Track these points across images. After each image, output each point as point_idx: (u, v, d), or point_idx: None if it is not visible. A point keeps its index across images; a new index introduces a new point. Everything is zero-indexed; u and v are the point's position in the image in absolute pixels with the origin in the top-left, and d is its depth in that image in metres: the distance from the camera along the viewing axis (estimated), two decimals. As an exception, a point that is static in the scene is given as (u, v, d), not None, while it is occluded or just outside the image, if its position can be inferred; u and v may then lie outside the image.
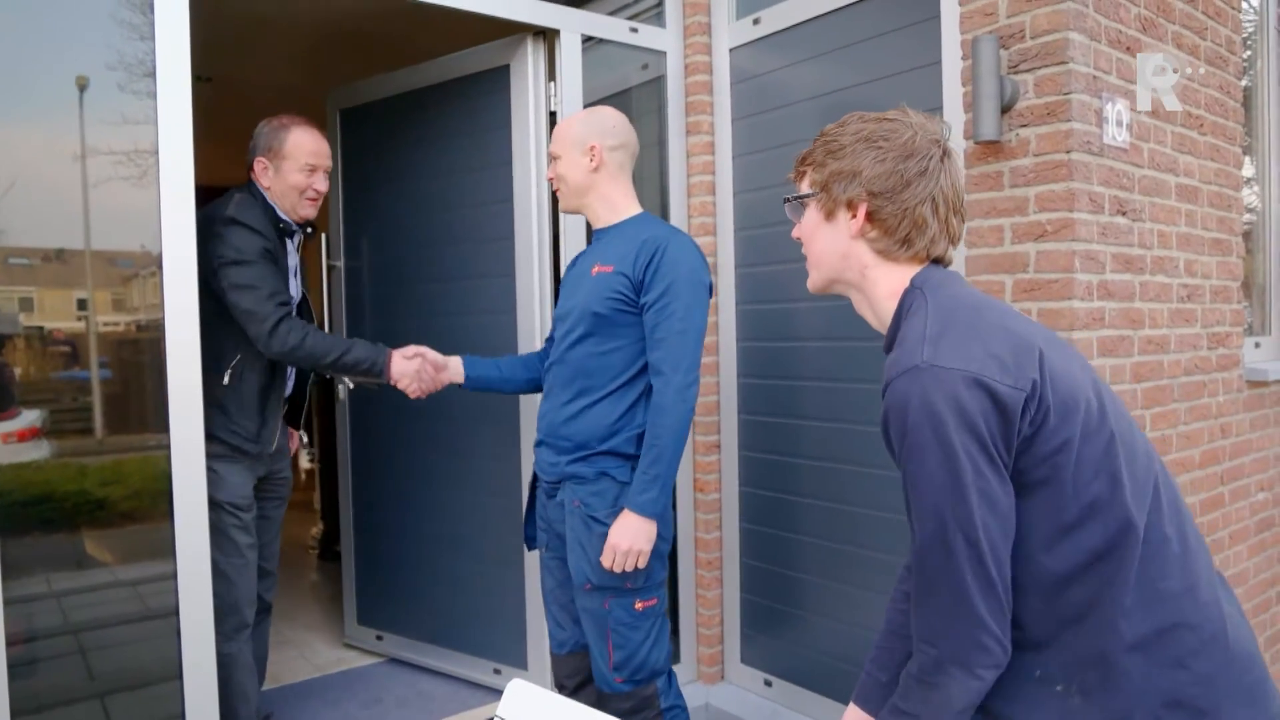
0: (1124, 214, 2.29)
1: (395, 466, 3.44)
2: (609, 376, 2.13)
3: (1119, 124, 2.25)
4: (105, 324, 2.30)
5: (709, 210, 3.15)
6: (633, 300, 2.09)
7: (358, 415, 3.58)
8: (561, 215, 2.92)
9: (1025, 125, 2.21)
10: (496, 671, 3.12)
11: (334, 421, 4.74)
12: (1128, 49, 2.30)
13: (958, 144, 2.36)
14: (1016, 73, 2.22)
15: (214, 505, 2.25)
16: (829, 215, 1.28)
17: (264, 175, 2.47)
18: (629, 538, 2.02)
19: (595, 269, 2.16)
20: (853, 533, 2.76)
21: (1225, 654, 1.11)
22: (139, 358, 2.33)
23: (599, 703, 2.18)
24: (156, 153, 2.17)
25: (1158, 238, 2.42)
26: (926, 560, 1.11)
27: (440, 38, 3.27)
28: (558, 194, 2.29)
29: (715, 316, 3.15)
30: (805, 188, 1.32)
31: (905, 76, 2.56)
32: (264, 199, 2.46)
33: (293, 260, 2.58)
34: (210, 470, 2.25)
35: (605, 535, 2.06)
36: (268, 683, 3.31)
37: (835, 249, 1.29)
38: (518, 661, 3.07)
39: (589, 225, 2.32)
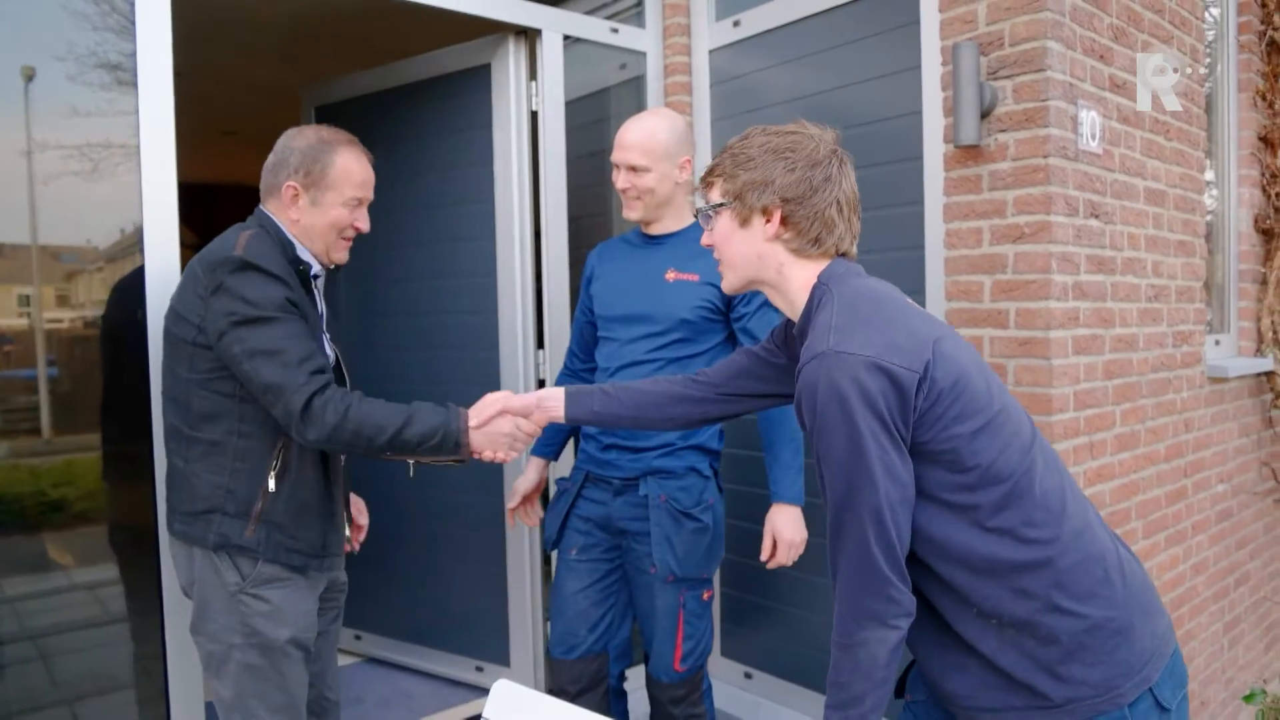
0: (1096, 217, 2.37)
1: (372, 463, 3.42)
2: None
3: (1092, 130, 2.33)
4: (50, 320, 2.20)
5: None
6: (721, 310, 2.20)
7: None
8: (543, 214, 2.94)
9: (1004, 130, 2.27)
10: (479, 669, 3.13)
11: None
12: (1101, 57, 2.37)
13: (937, 147, 2.43)
14: (995, 79, 2.28)
15: (268, 649, 1.77)
16: (744, 222, 1.40)
17: (293, 205, 1.85)
18: (797, 529, 2.20)
19: (672, 275, 2.20)
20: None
21: (1126, 579, 1.28)
22: (89, 355, 2.23)
23: (652, 690, 2.25)
24: (138, 149, 2.15)
25: (1127, 239, 2.50)
26: (837, 526, 1.25)
27: (418, 36, 3.27)
28: (630, 202, 2.22)
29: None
30: (717, 197, 1.43)
31: (883, 81, 2.61)
32: (280, 234, 1.85)
33: (321, 308, 1.96)
34: (260, 602, 1.76)
35: (696, 529, 2.19)
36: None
37: (751, 251, 1.41)
38: (500, 659, 3.08)
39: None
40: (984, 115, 2.28)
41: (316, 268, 1.90)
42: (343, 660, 3.49)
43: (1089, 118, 2.31)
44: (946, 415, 1.22)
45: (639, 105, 3.21)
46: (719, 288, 2.06)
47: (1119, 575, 1.27)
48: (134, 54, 2.12)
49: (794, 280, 1.40)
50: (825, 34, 2.77)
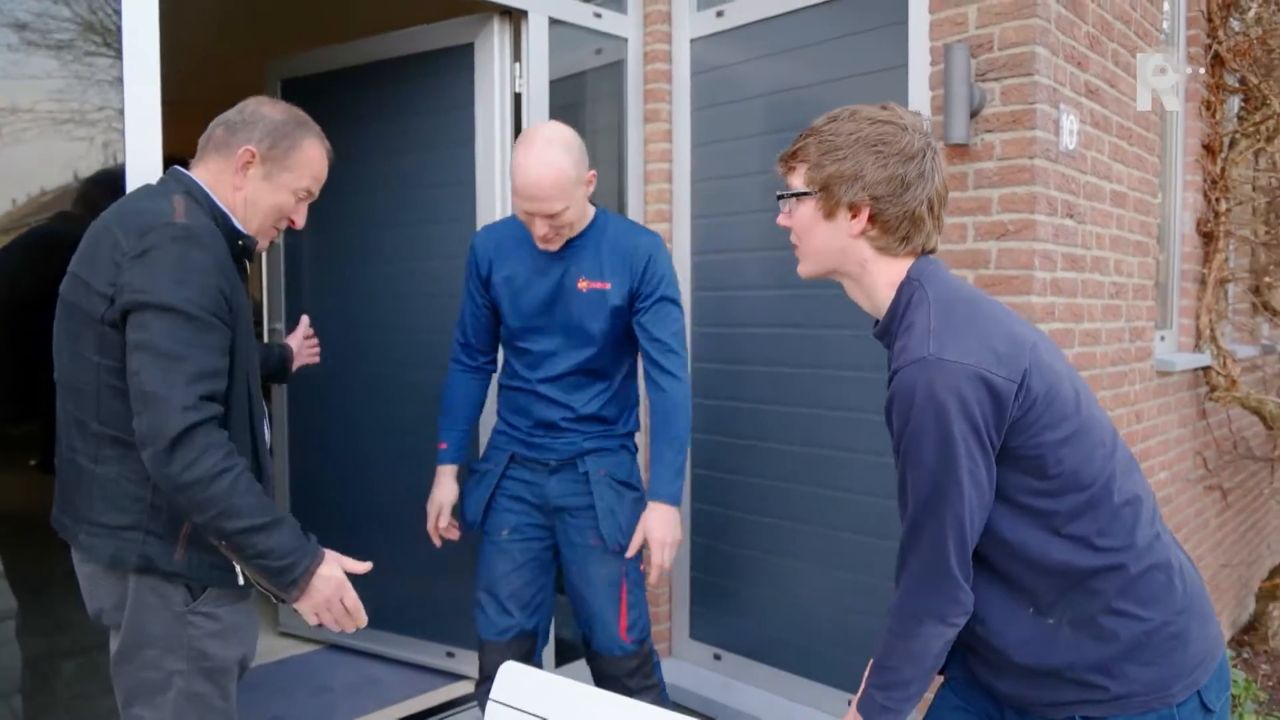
0: (1071, 216, 2.48)
1: (333, 447, 3.36)
2: (619, 369, 2.32)
3: (1071, 133, 2.44)
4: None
5: (666, 198, 3.21)
6: (628, 307, 2.22)
7: (295, 394, 3.48)
8: None
9: (990, 131, 2.36)
10: (450, 655, 3.11)
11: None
12: (1079, 63, 2.48)
13: (923, 145, 2.50)
14: (984, 81, 2.36)
15: (215, 673, 1.58)
16: (828, 215, 1.34)
17: (242, 172, 1.64)
18: (670, 529, 2.19)
19: (584, 284, 2.20)
20: (800, 510, 2.90)
21: (1187, 585, 1.31)
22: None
23: (603, 668, 2.26)
24: (122, 116, 2.07)
25: (1095, 239, 2.63)
26: (916, 527, 1.25)
27: (396, 11, 3.20)
28: (551, 241, 2.13)
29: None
30: (799, 184, 1.37)
31: (868, 78, 2.68)
32: (211, 203, 1.61)
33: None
34: (211, 620, 1.57)
35: (635, 498, 2.29)
36: (202, 673, 3.21)
37: (834, 245, 1.36)
38: (472, 644, 3.05)
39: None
40: (972, 115, 2.36)
41: (256, 245, 1.68)
42: (303, 648, 3.44)
43: (1069, 122, 2.42)
44: (1038, 423, 1.22)
45: (619, 90, 3.21)
46: (626, 288, 2.19)
47: (1180, 581, 1.30)
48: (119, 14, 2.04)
49: (878, 277, 1.36)
50: (809, 29, 2.82)
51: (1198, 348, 3.48)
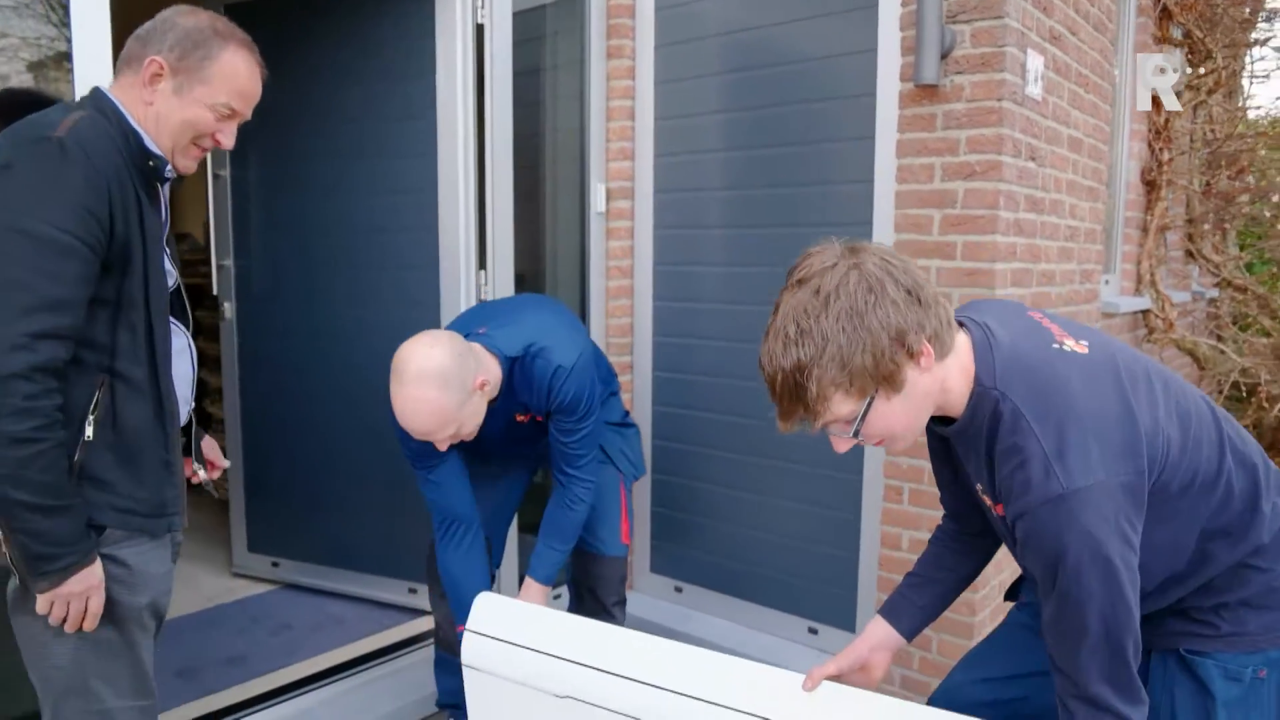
0: (1033, 159, 2.54)
1: (286, 387, 3.30)
2: None
3: (1037, 77, 2.48)
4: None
5: (628, 134, 3.18)
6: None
7: (246, 335, 3.39)
8: (488, 130, 2.87)
9: (960, 72, 2.39)
10: (412, 591, 3.12)
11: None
12: (1044, 9, 2.52)
13: (892, 85, 2.53)
14: (954, 23, 2.39)
15: (122, 620, 1.48)
16: (898, 389, 1.17)
17: (151, 86, 1.49)
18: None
19: (522, 418, 2.18)
20: (758, 445, 2.96)
21: None
22: None
23: (600, 570, 2.35)
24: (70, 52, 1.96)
25: (1053, 183, 2.70)
26: (1091, 658, 1.16)
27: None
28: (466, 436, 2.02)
29: (631, 240, 3.22)
30: (848, 411, 1.18)
31: (834, 18, 2.68)
32: (123, 121, 1.48)
33: (165, 216, 1.59)
34: (114, 564, 1.45)
35: (634, 432, 2.51)
36: (156, 614, 3.16)
37: (917, 399, 1.20)
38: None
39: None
40: (943, 57, 2.39)
41: (170, 169, 1.54)
42: (258, 588, 3.40)
43: (1035, 66, 2.46)
44: (1164, 474, 1.18)
45: (581, 26, 3.15)
46: (544, 409, 2.15)
47: None
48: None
49: (953, 384, 1.23)
50: (777, -34, 2.80)
51: (1138, 291, 3.62)
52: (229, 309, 3.36)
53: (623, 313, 3.24)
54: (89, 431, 1.41)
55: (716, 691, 1.64)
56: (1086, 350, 1.22)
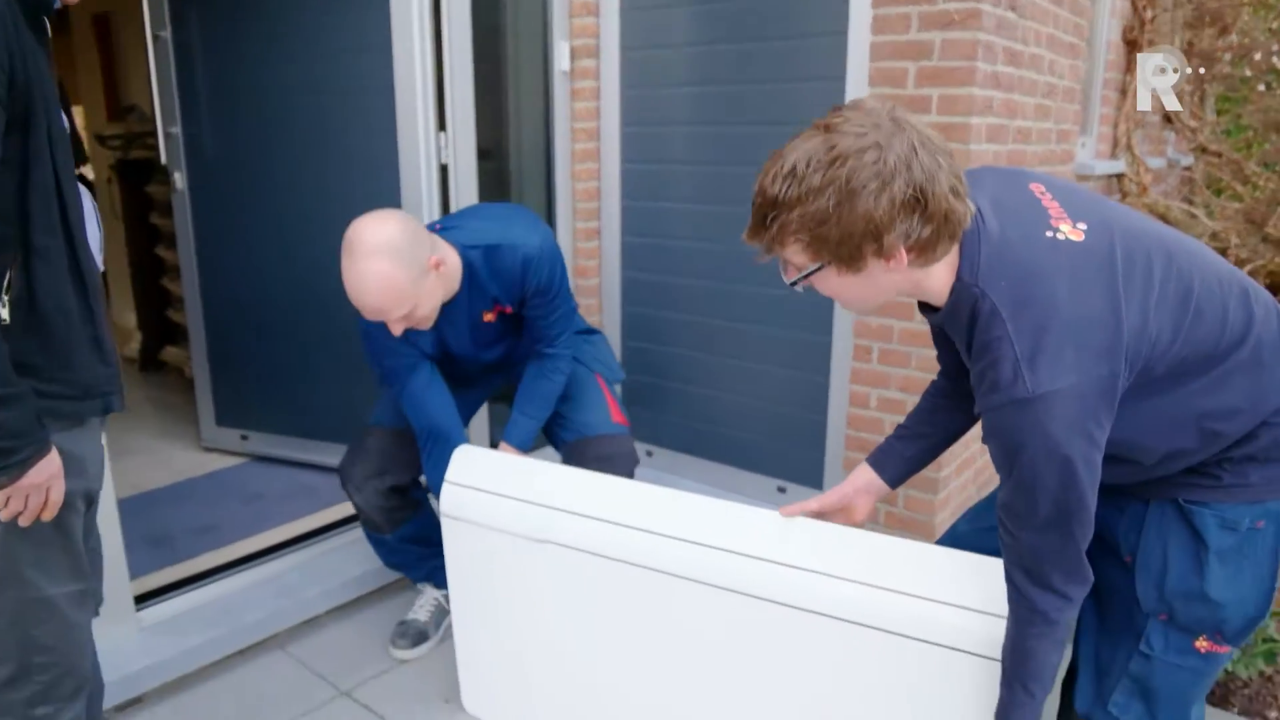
0: (1013, 9, 2.44)
1: (244, 259, 3.21)
2: None
3: (1020, -83, 2.36)
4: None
5: (591, 51, 3.04)
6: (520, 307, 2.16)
7: (198, 204, 3.26)
8: (447, 56, 2.71)
9: (941, -90, 2.26)
10: (383, 461, 3.12)
11: (143, 216, 4.33)
12: None
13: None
14: None
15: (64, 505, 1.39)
16: (856, 271, 1.14)
17: None
18: None
19: (488, 316, 2.12)
20: (728, 309, 2.94)
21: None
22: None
23: (599, 449, 2.28)
24: None
25: (1033, 36, 2.60)
26: (1042, 542, 1.16)
27: None
28: (421, 326, 1.97)
29: (597, 101, 3.10)
30: (804, 261, 1.16)
31: None
32: None
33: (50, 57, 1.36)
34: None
35: (601, 338, 2.48)
36: (125, 489, 3.15)
37: (876, 287, 1.18)
38: (405, 450, 3.08)
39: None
40: (923, -108, 2.26)
41: None
42: (228, 461, 3.40)
43: (1019, -97, 2.34)
44: (1149, 364, 1.13)
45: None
46: (516, 299, 2.10)
47: None
48: None
49: (935, 285, 1.20)
50: None
51: (1114, 155, 3.56)
52: (180, 180, 3.23)
53: (589, 176, 3.15)
54: (3, 314, 1.28)
55: (695, 531, 1.66)
56: (1082, 237, 1.15)
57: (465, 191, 2.82)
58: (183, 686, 2.24)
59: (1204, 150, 4.23)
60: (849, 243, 1.10)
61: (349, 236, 1.83)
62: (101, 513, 2.12)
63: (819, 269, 1.15)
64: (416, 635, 2.38)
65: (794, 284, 1.21)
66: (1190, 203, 3.98)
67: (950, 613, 1.40)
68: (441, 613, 2.44)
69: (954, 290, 1.18)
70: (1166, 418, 1.17)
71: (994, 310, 1.12)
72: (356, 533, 2.81)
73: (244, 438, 3.39)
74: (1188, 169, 4.57)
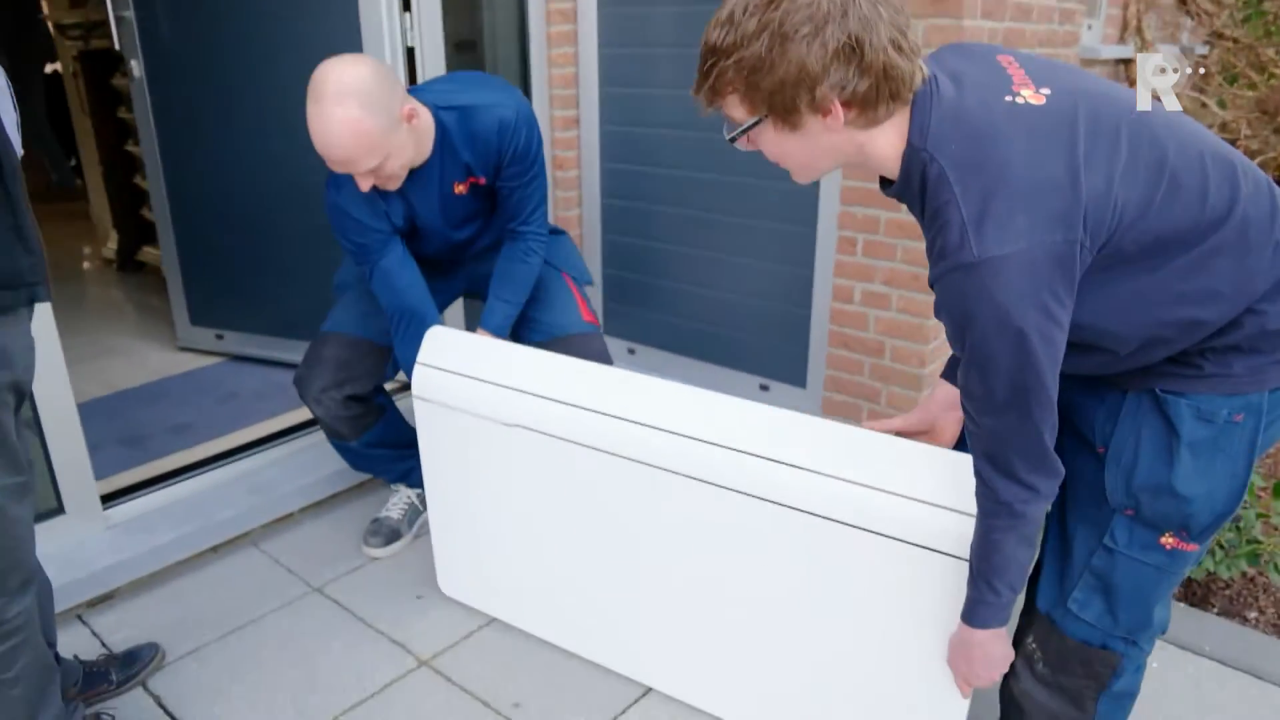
0: None
1: (208, 149, 3.07)
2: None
3: None
4: None
5: None
6: (495, 178, 2.06)
7: (157, 92, 3.11)
8: None
9: None
10: (359, 360, 3.06)
11: (111, 110, 4.17)
12: None
13: None
14: None
15: None
16: (793, 127, 1.09)
17: None
18: None
19: (459, 188, 2.02)
20: (709, 201, 2.83)
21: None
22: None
23: (569, 350, 2.17)
24: None
25: (1038, -101, 2.42)
26: (1001, 424, 1.10)
27: None
28: (386, 185, 1.89)
29: (576, -19, 2.93)
30: (741, 115, 1.11)
31: None
32: None
33: None
34: None
35: (566, 237, 2.35)
36: (100, 389, 3.11)
37: (817, 150, 1.13)
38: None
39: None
40: None
41: None
42: (204, 361, 3.34)
43: None
44: (1114, 237, 1.03)
45: None
46: (490, 171, 2.00)
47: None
48: None
49: (880, 150, 1.11)
50: None
51: (1122, 40, 3.37)
52: (136, 67, 3.07)
53: (566, 61, 2.99)
54: None
55: (668, 419, 1.59)
56: (1044, 100, 1.06)
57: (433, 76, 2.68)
58: (155, 583, 2.23)
59: (1220, 36, 4.02)
60: (782, 92, 1.05)
61: (316, 79, 1.72)
62: (60, 411, 2.10)
63: (757, 123, 1.11)
64: (389, 533, 2.35)
65: (732, 139, 1.15)
66: (1202, 91, 3.79)
67: (921, 510, 1.36)
68: (415, 511, 2.42)
69: (904, 157, 1.11)
70: (1142, 302, 1.09)
71: (941, 174, 1.05)
72: (330, 431, 2.78)
73: (219, 337, 3.33)
74: (1203, 58, 4.35)
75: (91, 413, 2.90)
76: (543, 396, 1.74)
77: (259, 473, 2.54)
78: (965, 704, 1.44)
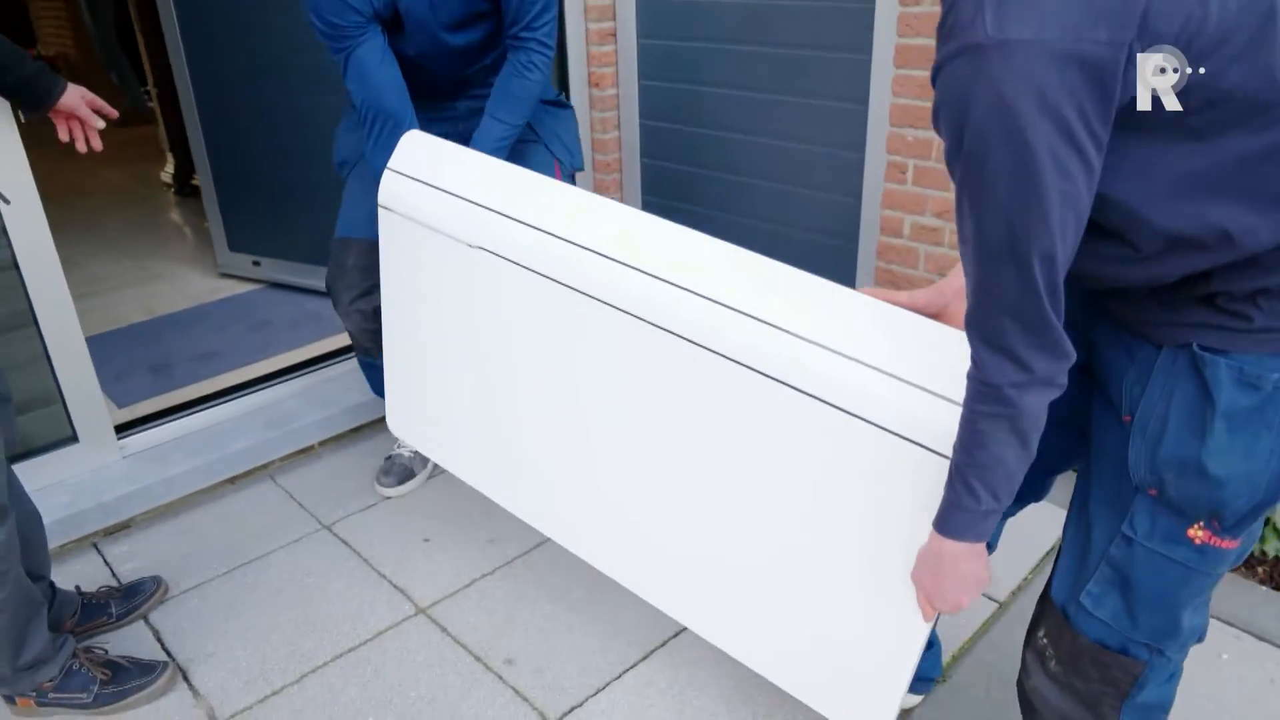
0: None
1: (240, 69, 2.98)
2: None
3: None
4: None
5: None
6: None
7: (193, 28, 3.01)
8: None
9: None
10: (390, 289, 2.98)
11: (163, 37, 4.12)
12: None
13: None
14: None
15: None
16: None
17: None
18: None
19: None
20: (752, 122, 2.61)
21: None
22: None
23: None
24: None
25: None
26: (992, 276, 0.88)
27: None
28: None
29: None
30: None
31: None
32: None
33: None
34: None
35: (568, 114, 2.16)
36: (141, 314, 3.12)
37: None
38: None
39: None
40: None
41: None
42: (242, 287, 3.32)
43: None
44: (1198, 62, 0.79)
45: None
46: None
47: None
48: None
49: None
50: None
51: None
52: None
53: (604, -30, 2.77)
54: None
55: (645, 258, 1.38)
56: None
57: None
58: (169, 513, 2.22)
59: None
60: None
61: None
62: (68, 342, 2.07)
63: None
64: (402, 472, 2.28)
65: None
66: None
67: (902, 391, 1.13)
68: None
69: None
70: (1179, 179, 0.85)
71: None
72: (354, 362, 2.71)
73: (256, 263, 3.29)
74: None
75: (127, 338, 2.92)
76: (515, 219, 1.52)
77: (278, 404, 2.49)
78: (926, 628, 1.21)
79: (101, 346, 2.48)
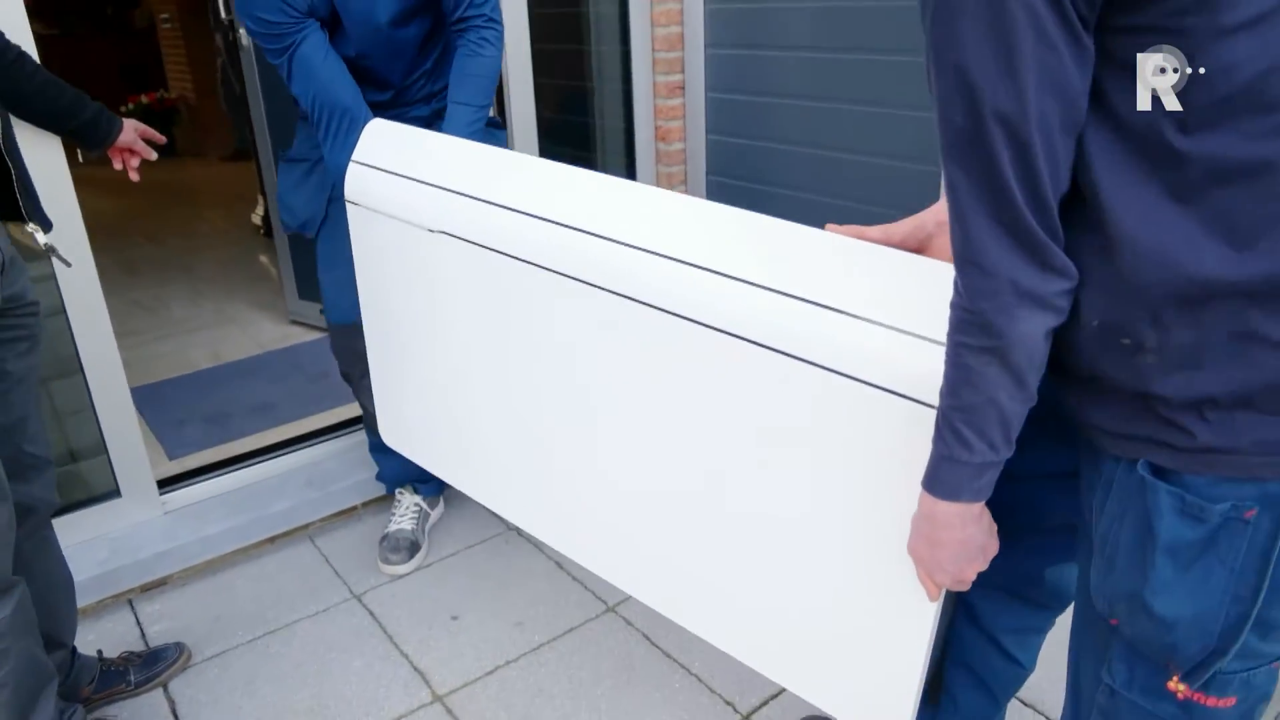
0: None
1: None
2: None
3: None
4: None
5: None
6: None
7: (271, 73, 3.06)
8: None
9: None
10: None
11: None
12: None
13: None
14: None
15: None
16: None
17: None
18: None
19: None
20: (831, 87, 2.43)
21: None
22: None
23: None
24: None
25: None
26: (959, 169, 0.75)
27: None
28: None
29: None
30: None
31: None
32: None
33: None
34: None
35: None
36: (208, 360, 3.16)
37: None
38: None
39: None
40: None
41: None
42: (309, 335, 3.33)
43: None
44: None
45: None
46: None
47: None
48: None
49: None
50: None
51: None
52: (245, 36, 3.04)
53: (670, 20, 2.69)
54: None
55: (619, 228, 1.24)
56: None
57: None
58: (206, 572, 2.19)
59: None
60: None
61: None
62: (113, 395, 2.07)
63: None
64: (409, 546, 2.18)
65: None
66: None
67: (882, 336, 0.97)
68: (424, 515, 2.27)
69: None
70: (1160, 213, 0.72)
71: None
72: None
73: (323, 312, 3.29)
74: None
75: (190, 385, 2.95)
76: (476, 198, 1.42)
77: (319, 464, 2.45)
78: (933, 609, 1.03)
79: (166, 393, 2.51)
